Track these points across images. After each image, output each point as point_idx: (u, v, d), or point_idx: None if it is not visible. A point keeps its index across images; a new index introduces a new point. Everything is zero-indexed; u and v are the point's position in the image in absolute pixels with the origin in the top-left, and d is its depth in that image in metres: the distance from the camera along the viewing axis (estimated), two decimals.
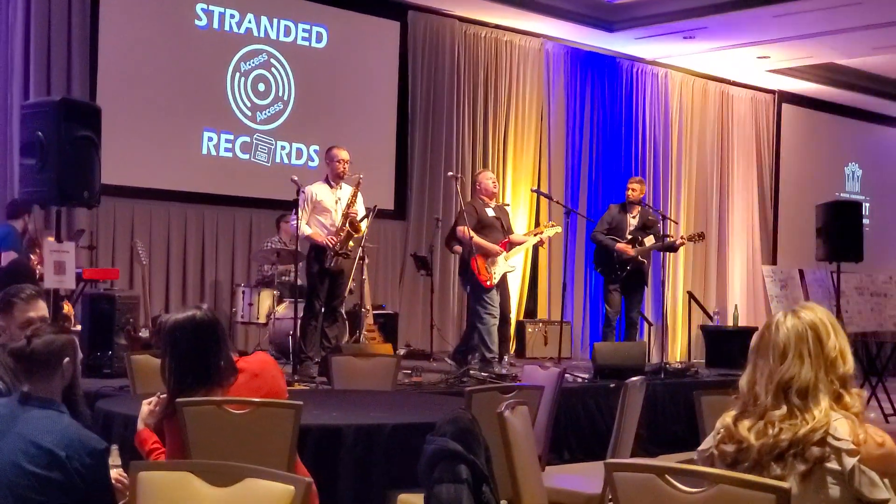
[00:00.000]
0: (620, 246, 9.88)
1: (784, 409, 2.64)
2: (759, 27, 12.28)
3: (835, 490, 2.57)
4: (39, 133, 6.93)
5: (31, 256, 8.53)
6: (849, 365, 2.73)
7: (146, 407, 4.01)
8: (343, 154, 8.32)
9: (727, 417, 2.71)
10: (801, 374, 2.67)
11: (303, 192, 8.05)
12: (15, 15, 9.46)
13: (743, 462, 2.60)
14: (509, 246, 9.02)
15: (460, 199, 9.43)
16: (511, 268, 9.10)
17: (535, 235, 9.52)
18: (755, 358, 2.75)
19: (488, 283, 8.68)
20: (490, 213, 8.93)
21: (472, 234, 8.68)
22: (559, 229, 9.83)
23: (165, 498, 2.80)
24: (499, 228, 8.90)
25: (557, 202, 11.06)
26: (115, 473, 3.50)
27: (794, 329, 2.73)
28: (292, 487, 2.66)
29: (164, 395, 3.94)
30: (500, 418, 3.39)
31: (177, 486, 2.80)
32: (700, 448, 2.74)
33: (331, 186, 8.28)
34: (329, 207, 8.18)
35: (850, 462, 2.57)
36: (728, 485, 2.42)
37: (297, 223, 8.07)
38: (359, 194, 8.25)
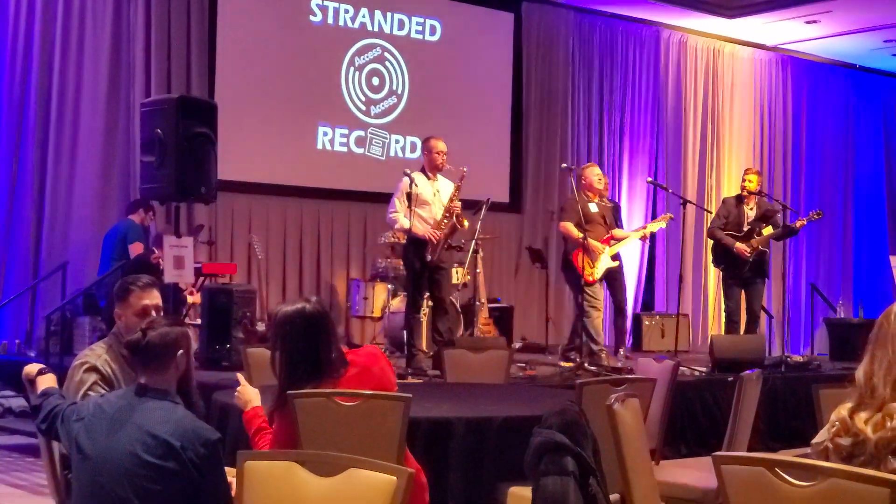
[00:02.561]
0: (739, 247, 9.61)
1: None
2: (884, 10, 11.89)
3: None
4: (158, 130, 7.08)
5: (155, 250, 8.72)
6: None
7: (252, 388, 4.07)
8: (441, 145, 8.08)
9: (843, 410, 2.60)
10: None
11: (405, 177, 7.91)
12: (136, 16, 9.71)
13: (859, 456, 2.49)
14: (612, 242, 8.90)
15: (574, 192, 9.35)
16: (615, 263, 8.95)
17: (637, 231, 9.38)
18: (873, 348, 2.63)
19: (591, 278, 8.58)
20: (593, 208, 8.78)
21: (574, 229, 8.58)
22: (663, 223, 9.68)
23: (271, 487, 2.82)
24: (602, 224, 8.75)
25: (673, 193, 10.89)
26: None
27: None
28: (395, 478, 2.65)
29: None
30: (610, 411, 3.33)
31: (282, 475, 2.81)
32: (814, 441, 2.65)
33: (428, 178, 8.14)
34: (428, 199, 7.98)
35: None
36: (840, 478, 2.33)
37: (395, 215, 7.99)
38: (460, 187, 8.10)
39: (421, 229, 7.93)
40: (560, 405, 3.24)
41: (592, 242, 8.60)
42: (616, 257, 8.99)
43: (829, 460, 2.52)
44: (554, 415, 3.13)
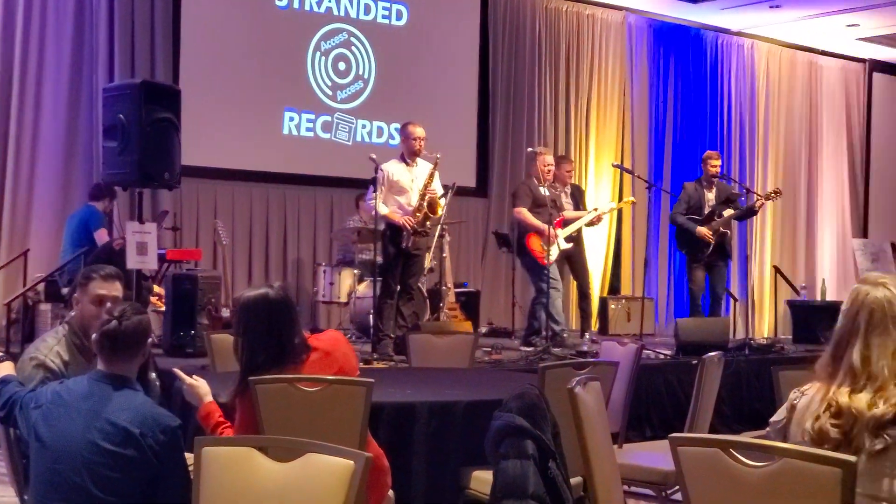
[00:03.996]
0: (701, 230, 9.69)
1: None
2: None
3: None
4: (121, 116, 7.03)
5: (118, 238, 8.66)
6: None
7: (202, 381, 4.04)
8: (419, 131, 8.14)
9: (842, 396, 2.64)
10: None
11: (380, 169, 8.02)
12: (99, 1, 9.60)
13: (854, 438, 2.56)
14: (563, 224, 8.98)
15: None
16: (569, 245, 9.03)
17: (589, 213, 9.40)
18: (868, 336, 2.67)
19: (545, 260, 8.65)
20: (543, 192, 8.84)
21: (528, 214, 8.70)
22: (616, 206, 9.78)
23: (229, 473, 2.82)
24: (552, 207, 8.81)
25: (639, 177, 10.96)
26: None
27: None
28: (352, 462, 2.65)
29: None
30: (571, 394, 3.33)
31: (240, 461, 2.81)
32: (772, 419, 2.68)
33: (406, 164, 8.15)
34: (406, 186, 8.07)
35: None
36: (793, 458, 2.36)
37: (375, 202, 8.03)
38: (436, 174, 8.16)
39: (397, 216, 7.98)
40: (520, 388, 3.25)
41: (540, 224, 8.67)
42: (572, 239, 9.06)
43: (822, 445, 2.56)
44: (514, 398, 3.14)
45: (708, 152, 10.35)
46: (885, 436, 2.53)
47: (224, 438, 3.29)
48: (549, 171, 8.98)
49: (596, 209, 9.53)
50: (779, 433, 2.66)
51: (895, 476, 2.51)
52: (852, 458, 2.32)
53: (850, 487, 2.31)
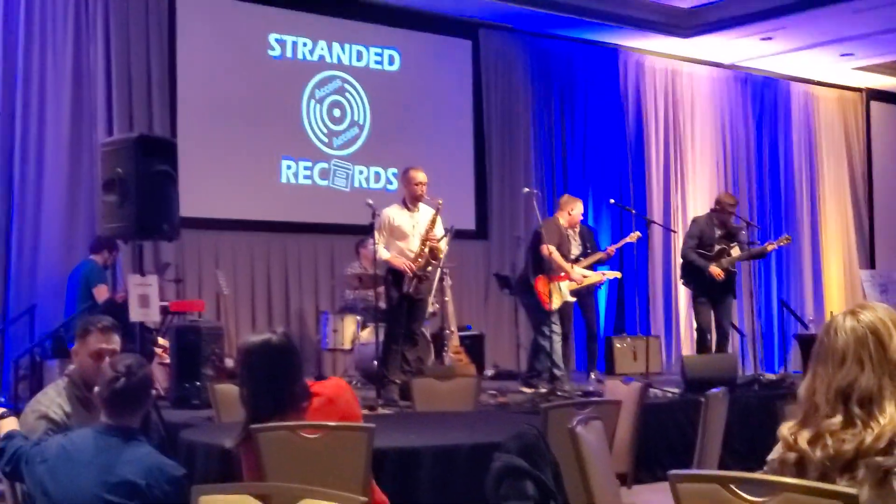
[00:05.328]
0: (713, 269, 9.66)
1: (840, 417, 2.49)
2: (839, 24, 12.01)
3: None
4: (119, 169, 7.03)
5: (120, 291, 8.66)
6: None
7: None
8: (420, 176, 8.13)
9: (783, 429, 2.58)
10: (861, 380, 2.49)
11: (378, 215, 8.01)
12: (96, 55, 9.67)
13: (808, 474, 2.47)
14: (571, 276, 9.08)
15: (538, 216, 9.36)
16: (571, 299, 9.08)
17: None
18: (815, 365, 2.60)
19: (549, 307, 8.67)
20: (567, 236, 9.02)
21: (556, 251, 8.72)
22: (628, 239, 9.87)
23: None
24: (566, 255, 8.92)
25: (638, 214, 10.94)
26: None
27: (852, 333, 2.54)
28: None
29: None
30: (572, 433, 3.32)
31: None
32: (769, 457, 2.64)
33: (408, 209, 8.15)
34: (407, 232, 8.05)
35: None
36: (793, 493, 2.32)
37: (376, 247, 8.03)
38: (438, 219, 8.14)
39: (398, 261, 7.97)
40: (518, 429, 3.23)
41: (567, 267, 8.73)
42: (577, 292, 9.12)
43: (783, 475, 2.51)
44: (512, 439, 3.13)
45: (725, 195, 10.31)
46: (864, 473, 2.44)
47: (221, 486, 3.25)
48: (578, 220, 9.12)
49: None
50: (775, 472, 2.61)
51: None
52: (853, 491, 2.29)
53: None
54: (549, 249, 8.77)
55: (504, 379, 10.00)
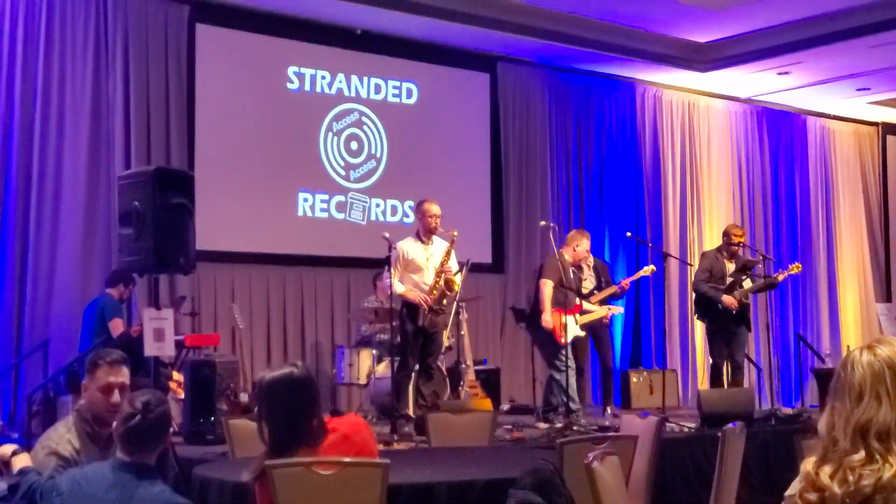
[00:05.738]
0: (727, 299, 9.64)
1: (863, 453, 2.47)
2: (856, 59, 12.05)
3: None
4: (136, 203, 7.04)
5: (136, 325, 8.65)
6: None
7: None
8: (435, 209, 8.18)
9: (807, 465, 2.55)
10: (878, 416, 2.47)
11: (394, 248, 8.01)
12: (115, 88, 9.71)
13: None
14: (581, 310, 9.06)
15: (554, 249, 9.36)
16: (582, 333, 9.06)
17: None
18: (833, 400, 2.58)
19: (563, 340, 8.65)
20: (572, 273, 9.04)
21: (549, 287, 8.83)
22: (642, 272, 9.88)
23: None
24: (572, 290, 8.92)
25: (654, 247, 10.92)
26: None
27: (869, 367, 2.52)
28: None
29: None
30: (588, 469, 3.29)
31: None
32: (787, 493, 2.60)
33: (422, 242, 8.16)
34: (421, 265, 8.08)
35: None
36: None
37: (391, 280, 8.02)
38: (452, 251, 8.14)
39: (413, 294, 7.94)
40: (533, 464, 3.21)
41: (546, 303, 8.72)
42: (587, 327, 9.10)
43: None
44: (527, 474, 3.11)
45: (731, 226, 10.32)
46: None
47: None
48: (584, 256, 9.12)
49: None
50: None
51: None
52: None
53: None
54: (543, 283, 8.80)
55: (520, 413, 9.96)
